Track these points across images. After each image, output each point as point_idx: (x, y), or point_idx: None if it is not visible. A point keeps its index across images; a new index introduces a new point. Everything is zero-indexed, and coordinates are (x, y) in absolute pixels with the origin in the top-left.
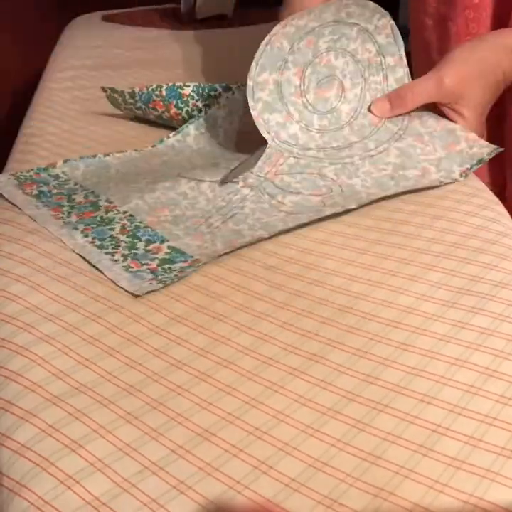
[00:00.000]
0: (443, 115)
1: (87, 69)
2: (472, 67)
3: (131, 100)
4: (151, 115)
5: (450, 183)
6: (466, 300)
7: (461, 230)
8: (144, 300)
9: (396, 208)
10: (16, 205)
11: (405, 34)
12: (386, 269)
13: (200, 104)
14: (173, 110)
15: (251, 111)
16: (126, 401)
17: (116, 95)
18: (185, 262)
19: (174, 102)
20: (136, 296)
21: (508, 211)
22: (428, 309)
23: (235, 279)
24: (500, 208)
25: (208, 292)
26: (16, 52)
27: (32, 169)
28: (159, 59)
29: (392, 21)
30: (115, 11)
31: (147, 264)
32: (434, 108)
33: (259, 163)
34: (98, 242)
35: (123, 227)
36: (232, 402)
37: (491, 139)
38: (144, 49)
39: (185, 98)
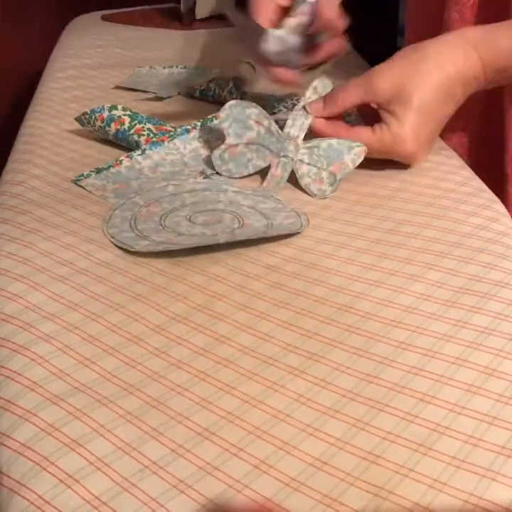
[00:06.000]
0: (380, 118)
1: (87, 69)
2: (410, 64)
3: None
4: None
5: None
6: (466, 299)
7: (461, 229)
8: (143, 299)
9: (396, 207)
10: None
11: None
12: (386, 268)
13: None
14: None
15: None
16: (126, 400)
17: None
18: None
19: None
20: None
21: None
22: (428, 308)
23: (235, 279)
24: (501, 207)
25: (208, 291)
26: (16, 52)
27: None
28: (159, 59)
29: None
30: (115, 11)
31: None
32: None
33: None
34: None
35: None
36: (232, 402)
37: (491, 141)
38: (144, 49)
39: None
